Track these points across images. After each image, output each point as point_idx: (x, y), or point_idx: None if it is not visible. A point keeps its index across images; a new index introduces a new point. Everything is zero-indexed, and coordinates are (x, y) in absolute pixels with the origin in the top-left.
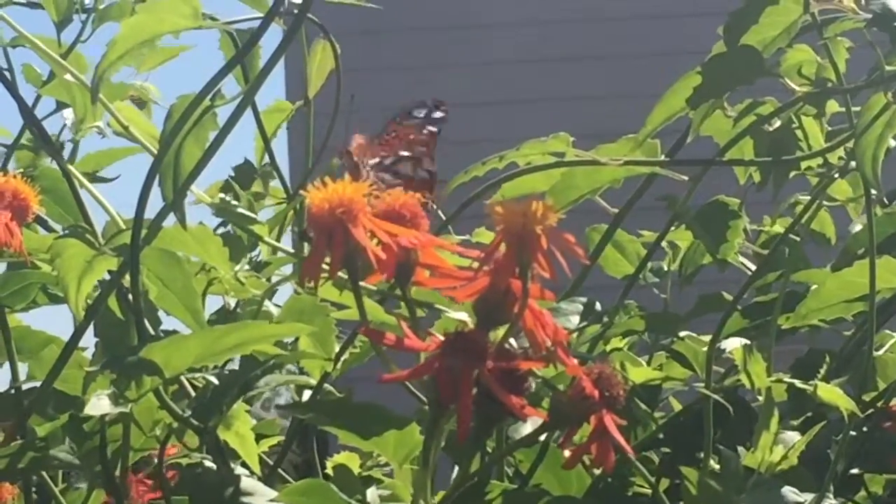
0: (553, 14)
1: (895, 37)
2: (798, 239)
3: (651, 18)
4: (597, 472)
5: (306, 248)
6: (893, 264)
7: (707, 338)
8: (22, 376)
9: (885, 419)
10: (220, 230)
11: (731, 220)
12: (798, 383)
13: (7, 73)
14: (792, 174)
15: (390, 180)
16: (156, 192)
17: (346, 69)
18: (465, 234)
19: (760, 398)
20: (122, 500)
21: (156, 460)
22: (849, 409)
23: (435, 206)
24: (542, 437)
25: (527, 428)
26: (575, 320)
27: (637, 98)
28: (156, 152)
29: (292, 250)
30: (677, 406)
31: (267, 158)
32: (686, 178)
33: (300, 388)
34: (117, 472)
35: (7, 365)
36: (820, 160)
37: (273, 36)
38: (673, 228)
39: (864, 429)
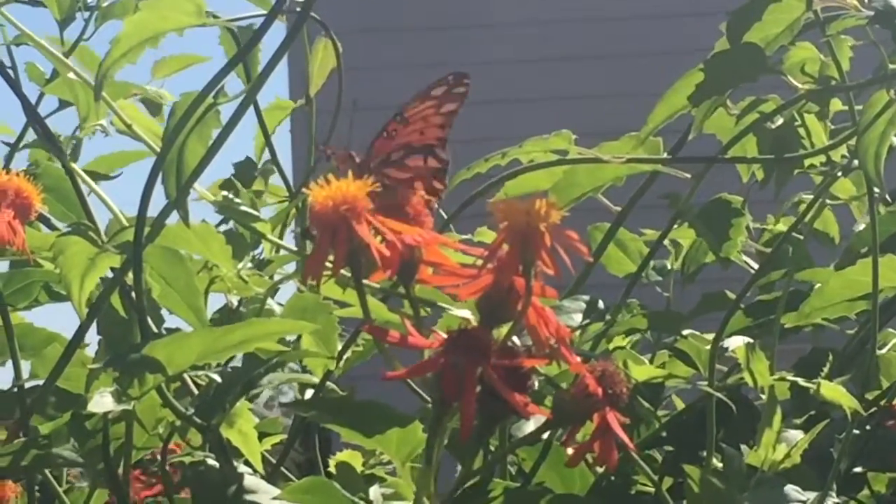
0: (554, 14)
1: None
2: (801, 237)
3: (652, 18)
4: (600, 470)
5: (308, 246)
6: None
7: (710, 336)
8: (25, 374)
9: (888, 417)
10: (222, 228)
11: (734, 217)
12: (801, 382)
13: (11, 72)
14: (795, 173)
15: (396, 174)
16: (158, 189)
17: (347, 67)
18: (466, 233)
19: (763, 396)
20: (124, 499)
21: (159, 458)
22: (852, 407)
23: (436, 206)
24: (545, 435)
25: (530, 426)
26: (578, 318)
27: (639, 96)
28: (158, 150)
29: (295, 248)
30: (680, 404)
31: (268, 156)
32: (689, 175)
33: (303, 386)
34: (120, 471)
35: (10, 363)
36: (823, 158)
37: (273, 33)
38: (675, 226)
39: (867, 427)
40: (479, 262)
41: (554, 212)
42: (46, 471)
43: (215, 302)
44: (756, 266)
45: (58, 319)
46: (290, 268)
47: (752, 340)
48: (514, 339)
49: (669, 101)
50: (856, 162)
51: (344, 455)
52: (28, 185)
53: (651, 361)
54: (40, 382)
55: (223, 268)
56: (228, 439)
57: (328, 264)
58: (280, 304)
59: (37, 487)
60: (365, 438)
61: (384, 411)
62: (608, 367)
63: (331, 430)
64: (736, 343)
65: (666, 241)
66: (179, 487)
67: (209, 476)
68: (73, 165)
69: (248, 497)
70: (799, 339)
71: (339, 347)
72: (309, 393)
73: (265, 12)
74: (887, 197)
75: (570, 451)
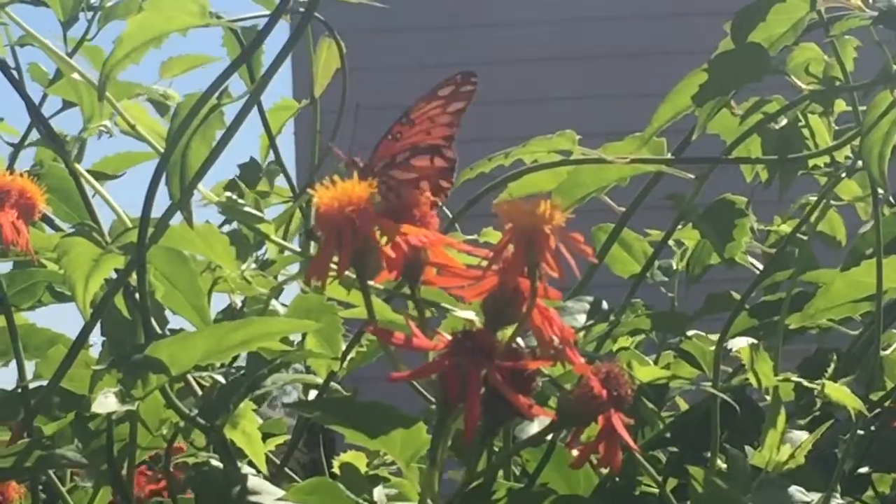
0: (557, 13)
1: None
2: (806, 238)
3: (655, 18)
4: (604, 471)
5: (312, 246)
6: None
7: (715, 337)
8: (29, 375)
9: (893, 418)
10: (226, 228)
11: (738, 218)
12: (806, 382)
13: (14, 72)
14: (800, 174)
15: (401, 175)
16: (162, 190)
17: (351, 67)
18: (471, 233)
19: (768, 397)
20: (129, 499)
21: (162, 459)
22: (856, 408)
23: (441, 205)
24: (550, 437)
25: (534, 427)
26: (582, 319)
27: (643, 97)
28: (162, 151)
29: (299, 249)
30: (684, 405)
31: (272, 156)
32: (692, 176)
33: (307, 387)
34: (124, 472)
35: (14, 363)
36: (827, 159)
37: (275, 34)
38: (680, 227)
39: (872, 428)
40: (484, 263)
41: (559, 213)
42: (50, 471)
43: (219, 304)
44: (761, 267)
45: (61, 320)
46: (294, 269)
47: (756, 341)
48: (519, 340)
49: (673, 102)
50: (860, 163)
51: (348, 456)
52: (32, 186)
53: (655, 362)
54: (44, 383)
55: (227, 268)
56: (232, 440)
57: (333, 265)
58: (284, 305)
59: (40, 488)
60: (369, 439)
61: (388, 412)
62: (612, 368)
63: (334, 430)
64: (740, 344)
65: (670, 242)
66: (183, 488)
67: (213, 477)
68: (77, 166)
69: (252, 498)
70: (803, 340)
71: (343, 348)
72: (313, 394)
73: (268, 12)
74: (891, 198)
75: (574, 452)
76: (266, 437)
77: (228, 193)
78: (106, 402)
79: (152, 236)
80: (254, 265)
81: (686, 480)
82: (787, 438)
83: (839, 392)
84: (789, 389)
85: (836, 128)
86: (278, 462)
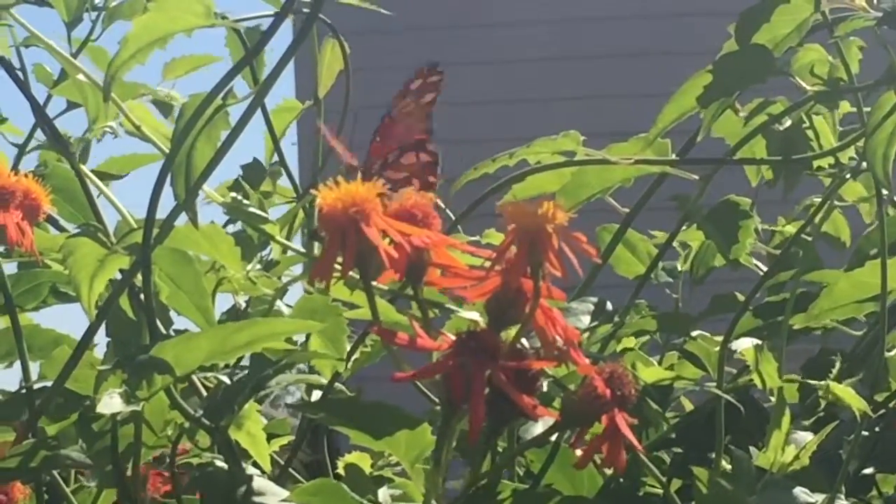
0: (560, 13)
1: None
2: (810, 239)
3: (659, 18)
4: (608, 472)
5: (316, 247)
6: None
7: (719, 337)
8: (33, 376)
9: None
10: (230, 229)
11: (743, 219)
12: (810, 383)
13: (19, 73)
14: (804, 175)
15: (393, 175)
16: (167, 191)
17: (354, 68)
18: (474, 233)
19: (772, 398)
20: (133, 500)
21: (167, 460)
22: (861, 409)
23: (443, 204)
24: (554, 437)
25: (538, 428)
26: (586, 320)
27: (647, 98)
28: (167, 151)
29: (303, 249)
30: (689, 406)
31: (276, 157)
32: (697, 177)
33: (310, 387)
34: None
35: (18, 364)
36: (831, 160)
37: (277, 34)
38: (684, 228)
39: (876, 429)
40: (488, 263)
41: (561, 213)
42: (54, 472)
43: (223, 305)
44: (765, 268)
45: (65, 321)
46: (298, 269)
47: (760, 342)
48: (524, 341)
49: (678, 103)
50: (864, 164)
51: (353, 457)
52: (36, 186)
53: (660, 363)
54: (49, 384)
55: (231, 269)
56: (237, 441)
57: (337, 266)
58: (289, 306)
59: (45, 489)
60: (374, 440)
61: (393, 413)
62: (616, 368)
63: (338, 431)
64: (745, 345)
65: (675, 243)
66: (189, 489)
67: (218, 477)
68: (82, 167)
69: (257, 499)
70: (806, 341)
71: (348, 349)
72: (316, 394)
73: (272, 13)
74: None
75: (578, 452)
76: (270, 437)
77: (233, 194)
78: (111, 403)
79: (157, 237)
80: (258, 266)
81: (690, 481)
82: (792, 439)
83: (844, 393)
84: (793, 390)
85: (841, 129)
86: (282, 463)
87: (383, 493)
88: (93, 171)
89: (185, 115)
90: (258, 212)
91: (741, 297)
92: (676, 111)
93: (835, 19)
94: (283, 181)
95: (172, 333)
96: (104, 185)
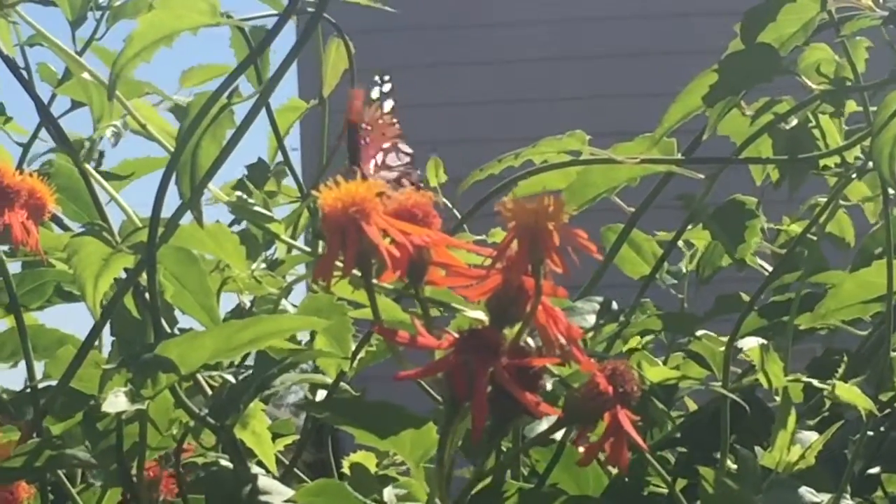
0: (563, 13)
1: None
2: (815, 238)
3: (665, 17)
4: (613, 471)
5: (321, 246)
6: None
7: (724, 337)
8: (38, 375)
9: None
10: (235, 228)
11: (749, 219)
12: (815, 383)
13: (24, 72)
14: (810, 174)
15: (385, 175)
16: (172, 190)
17: (359, 68)
18: (480, 233)
19: (777, 398)
20: (139, 499)
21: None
22: (866, 408)
23: (449, 203)
24: (559, 437)
25: (542, 426)
26: (591, 319)
27: (653, 97)
28: (172, 150)
29: (308, 249)
30: (694, 406)
31: (280, 157)
32: (703, 176)
33: (313, 387)
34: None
35: (23, 363)
36: (837, 159)
37: (283, 34)
38: (690, 228)
39: (882, 428)
40: (489, 262)
41: (562, 210)
42: (60, 471)
43: (228, 304)
44: (770, 268)
45: (70, 320)
46: (303, 268)
47: (766, 342)
48: (528, 339)
49: (684, 102)
50: (870, 163)
51: (358, 456)
52: (41, 186)
53: (665, 363)
54: (54, 383)
55: (236, 268)
56: (242, 440)
57: (339, 265)
58: (294, 305)
59: (49, 488)
60: (379, 440)
61: (398, 412)
62: (619, 365)
63: (342, 430)
64: (750, 344)
65: (680, 243)
66: (193, 488)
67: (223, 477)
68: (87, 166)
69: (262, 498)
70: (810, 340)
71: (353, 348)
72: (320, 393)
73: (277, 12)
74: None
75: (581, 450)
76: (275, 437)
77: (239, 193)
78: (116, 402)
79: (162, 236)
80: (263, 265)
81: (695, 481)
82: (797, 439)
83: (850, 392)
84: (798, 390)
85: (847, 128)
86: (286, 462)
87: (388, 492)
88: (99, 171)
89: (191, 113)
90: (262, 210)
91: (746, 298)
92: (682, 110)
93: (841, 18)
94: (289, 181)
95: (177, 332)
96: (109, 185)
